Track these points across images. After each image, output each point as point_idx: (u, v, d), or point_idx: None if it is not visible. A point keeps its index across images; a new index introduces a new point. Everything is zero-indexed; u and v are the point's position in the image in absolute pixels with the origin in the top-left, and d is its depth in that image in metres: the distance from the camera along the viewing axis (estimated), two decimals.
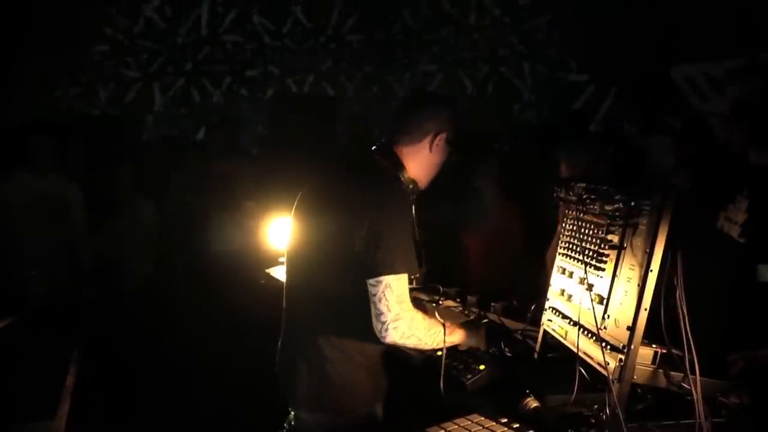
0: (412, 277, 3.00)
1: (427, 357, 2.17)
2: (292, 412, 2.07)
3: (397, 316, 1.81)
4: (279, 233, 3.54)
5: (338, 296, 1.91)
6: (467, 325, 2.13)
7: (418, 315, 1.89)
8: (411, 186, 1.99)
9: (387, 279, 1.80)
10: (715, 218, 2.26)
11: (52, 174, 4.27)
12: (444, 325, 1.97)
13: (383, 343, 1.88)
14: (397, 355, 2.18)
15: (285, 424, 2.09)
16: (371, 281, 1.81)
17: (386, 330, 1.81)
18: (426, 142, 2.00)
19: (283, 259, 3.51)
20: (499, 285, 3.19)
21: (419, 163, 2.01)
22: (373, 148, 2.04)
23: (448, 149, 2.05)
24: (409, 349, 2.09)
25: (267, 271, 3.54)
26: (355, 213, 1.85)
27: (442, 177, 2.15)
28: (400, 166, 1.98)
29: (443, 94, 2.02)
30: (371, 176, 1.96)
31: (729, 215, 2.24)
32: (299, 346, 2.00)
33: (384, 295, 1.80)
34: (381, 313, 1.81)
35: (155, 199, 4.89)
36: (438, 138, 2.01)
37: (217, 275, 4.55)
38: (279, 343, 2.13)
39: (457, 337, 2.02)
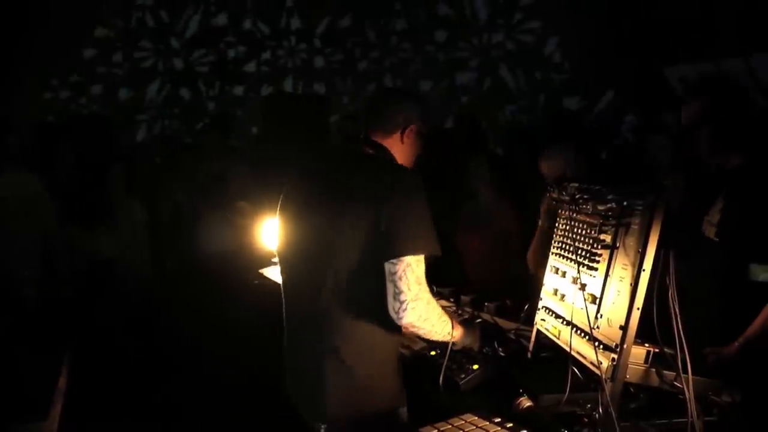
0: None
1: (417, 355, 2.18)
2: (322, 427, 1.91)
3: (417, 296, 1.79)
4: (272, 233, 3.54)
5: (360, 288, 1.85)
6: (463, 324, 2.12)
7: (433, 300, 1.87)
8: None
9: (408, 258, 1.78)
10: (701, 221, 2.29)
11: (13, 174, 4.18)
12: (450, 317, 1.96)
13: (397, 328, 1.86)
14: None
15: None
16: (392, 260, 1.78)
17: (404, 310, 1.78)
18: (397, 135, 2.04)
19: (276, 260, 3.52)
20: (493, 285, 3.19)
21: (396, 154, 2.05)
22: (357, 142, 2.06)
23: (419, 141, 2.09)
24: (417, 337, 2.10)
25: (260, 271, 3.53)
26: (368, 199, 1.84)
27: (433, 179, 2.16)
28: (390, 155, 2.02)
29: (409, 90, 2.11)
30: (373, 164, 1.97)
31: (709, 218, 2.26)
32: (320, 351, 1.88)
33: (405, 273, 1.77)
34: (401, 292, 1.78)
35: (148, 199, 4.87)
36: (408, 130, 2.05)
37: (210, 276, 4.53)
38: (284, 352, 2.03)
39: (457, 333, 2.01)
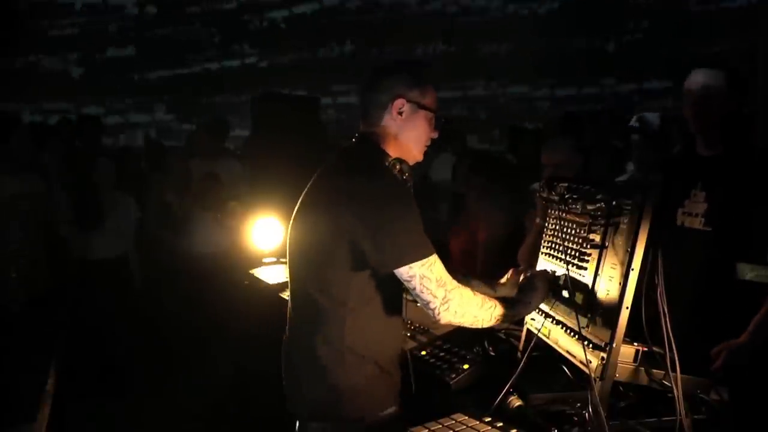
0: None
1: (407, 355, 2.17)
2: (298, 423, 1.95)
3: (445, 298, 1.73)
4: (263, 234, 3.53)
5: (333, 295, 1.80)
6: (521, 292, 1.94)
7: (467, 291, 1.78)
8: (399, 166, 1.84)
9: (417, 270, 1.71)
10: (674, 216, 2.30)
11: (31, 174, 4.18)
12: (497, 301, 1.85)
13: (378, 336, 1.83)
14: None
15: None
16: (404, 276, 1.72)
17: (438, 314, 1.74)
18: (387, 117, 1.85)
19: (267, 260, 3.52)
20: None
21: (397, 140, 1.87)
22: (352, 141, 1.93)
23: (427, 115, 1.87)
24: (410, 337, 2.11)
25: (251, 272, 3.52)
26: (349, 213, 1.74)
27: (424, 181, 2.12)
28: (381, 153, 1.85)
29: (391, 60, 1.67)
30: (357, 172, 1.82)
31: (687, 210, 2.27)
32: (301, 350, 1.89)
33: (423, 284, 1.72)
34: (428, 302, 1.73)
35: (138, 199, 4.85)
36: (397, 105, 1.84)
37: (201, 276, 4.52)
38: (282, 348, 2.01)
39: (515, 309, 1.88)
